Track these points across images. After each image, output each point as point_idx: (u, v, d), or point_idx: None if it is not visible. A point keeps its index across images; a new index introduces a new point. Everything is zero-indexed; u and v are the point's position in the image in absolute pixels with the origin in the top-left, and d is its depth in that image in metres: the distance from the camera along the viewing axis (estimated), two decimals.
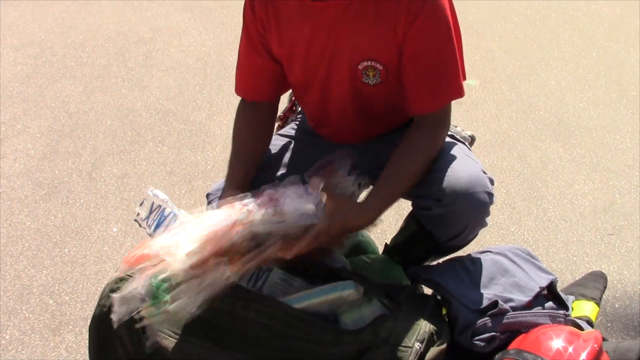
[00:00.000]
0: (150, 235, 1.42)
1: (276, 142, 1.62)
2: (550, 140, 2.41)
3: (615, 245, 1.98)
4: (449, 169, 1.37)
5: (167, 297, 1.21)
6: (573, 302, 1.61)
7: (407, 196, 1.49)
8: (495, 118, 2.50)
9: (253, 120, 1.50)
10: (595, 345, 1.28)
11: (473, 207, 1.36)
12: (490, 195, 1.39)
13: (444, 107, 1.36)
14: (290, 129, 1.67)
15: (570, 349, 1.26)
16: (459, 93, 1.36)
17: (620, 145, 2.40)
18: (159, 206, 1.44)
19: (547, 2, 3.41)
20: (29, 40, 2.92)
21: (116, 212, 2.07)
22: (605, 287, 1.69)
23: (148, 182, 2.18)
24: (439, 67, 1.33)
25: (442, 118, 1.37)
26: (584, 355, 1.25)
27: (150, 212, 1.46)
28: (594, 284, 1.69)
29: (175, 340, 1.33)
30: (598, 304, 1.64)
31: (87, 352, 1.59)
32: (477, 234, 1.48)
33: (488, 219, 1.43)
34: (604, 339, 1.51)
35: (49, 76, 2.70)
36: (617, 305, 1.80)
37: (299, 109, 1.73)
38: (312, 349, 1.29)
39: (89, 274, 1.86)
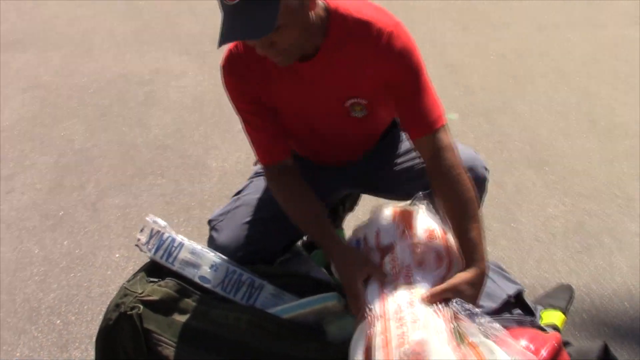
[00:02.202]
0: (151, 258, 1.57)
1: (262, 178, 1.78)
2: (524, 167, 2.58)
3: (584, 262, 2.12)
4: None
5: None
6: (542, 311, 1.76)
7: (401, 190, 1.65)
8: (473, 148, 2.66)
9: (293, 178, 1.56)
10: (555, 343, 1.41)
11: (477, 180, 1.53)
12: (487, 170, 1.63)
13: (441, 126, 1.46)
14: None
15: (532, 346, 1.40)
16: (443, 118, 1.48)
17: (590, 171, 2.57)
18: (158, 232, 1.59)
19: (522, 40, 3.62)
20: (36, 84, 3.10)
21: (119, 240, 2.21)
22: (571, 298, 1.84)
23: (148, 212, 2.33)
24: (423, 92, 1.45)
25: (446, 134, 1.46)
26: (543, 351, 1.38)
27: (150, 237, 1.60)
28: (561, 295, 1.84)
29: (175, 349, 1.47)
30: (564, 313, 1.78)
31: None
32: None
33: (485, 198, 1.66)
34: (568, 343, 1.65)
35: (54, 116, 2.87)
36: (584, 316, 1.93)
37: None
38: (299, 356, 1.43)
39: (94, 296, 1.99)
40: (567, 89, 3.16)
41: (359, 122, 1.58)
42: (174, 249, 1.59)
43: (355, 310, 1.38)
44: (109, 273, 2.07)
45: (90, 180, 2.49)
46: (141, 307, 1.48)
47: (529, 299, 1.70)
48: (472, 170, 1.56)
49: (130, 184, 2.47)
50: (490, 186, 2.45)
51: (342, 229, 2.04)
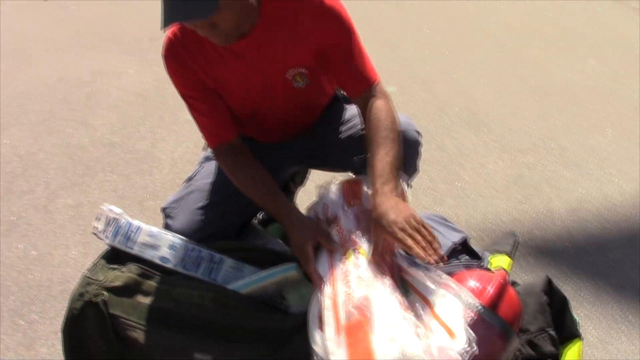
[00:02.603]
0: (109, 244, 1.60)
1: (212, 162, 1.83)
2: (464, 130, 2.69)
3: (526, 211, 2.24)
4: None
5: None
6: (489, 257, 1.85)
7: (345, 160, 1.71)
8: (414, 117, 2.71)
9: (245, 155, 1.62)
10: (500, 279, 1.50)
11: (408, 142, 1.62)
12: (419, 134, 1.68)
13: (378, 80, 1.55)
14: None
15: (480, 285, 1.49)
16: (377, 75, 1.57)
17: (525, 128, 2.69)
18: (115, 218, 1.62)
19: (456, 13, 3.74)
20: None
21: (74, 238, 2.22)
22: (516, 243, 1.93)
23: None
24: (360, 52, 1.54)
25: (382, 89, 1.55)
26: (490, 288, 1.47)
27: (107, 224, 1.63)
28: (506, 241, 1.93)
29: (142, 332, 1.51)
30: (510, 257, 1.88)
31: None
32: (412, 179, 1.74)
33: (419, 164, 1.75)
34: (515, 283, 1.75)
35: None
36: (530, 260, 2.05)
37: None
38: (263, 328, 1.48)
39: (55, 294, 2.00)
40: (499, 55, 3.29)
41: (301, 92, 1.63)
42: (132, 233, 1.62)
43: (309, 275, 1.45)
44: (69, 270, 2.08)
45: (39, 184, 2.48)
46: (105, 293, 1.51)
47: (475, 245, 1.79)
48: (404, 134, 1.62)
49: (81, 183, 2.48)
50: (433, 150, 2.57)
51: (294, 204, 2.10)
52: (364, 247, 1.43)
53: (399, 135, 1.51)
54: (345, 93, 1.75)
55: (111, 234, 1.61)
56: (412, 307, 1.36)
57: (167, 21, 1.34)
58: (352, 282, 1.36)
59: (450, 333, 1.31)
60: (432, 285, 1.43)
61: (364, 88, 1.56)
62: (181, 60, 1.54)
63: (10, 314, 1.94)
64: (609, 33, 3.50)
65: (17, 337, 1.86)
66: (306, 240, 1.46)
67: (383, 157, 1.46)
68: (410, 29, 3.55)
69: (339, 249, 1.48)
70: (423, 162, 2.46)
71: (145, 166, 2.56)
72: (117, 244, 1.60)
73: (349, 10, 1.51)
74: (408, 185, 1.77)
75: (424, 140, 2.52)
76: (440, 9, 3.80)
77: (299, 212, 1.56)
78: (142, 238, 1.59)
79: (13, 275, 2.08)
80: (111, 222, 1.63)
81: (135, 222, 1.60)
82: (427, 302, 1.38)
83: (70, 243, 2.20)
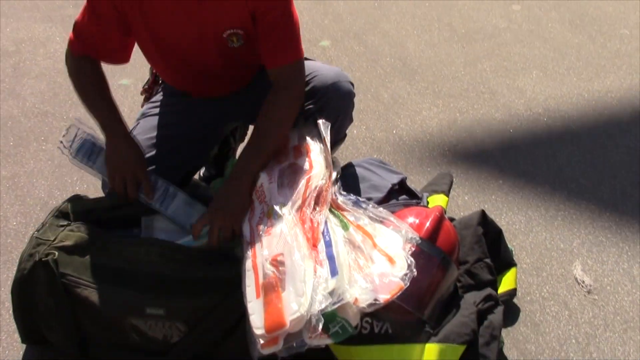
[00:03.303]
0: (71, 160, 1.62)
1: (152, 110, 1.82)
2: (397, 80, 2.75)
3: (460, 152, 2.33)
4: (315, 75, 1.67)
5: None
6: (427, 197, 1.93)
7: None
8: (348, 69, 2.80)
9: (97, 70, 1.65)
10: (437, 214, 1.58)
11: (342, 94, 1.68)
12: (353, 85, 1.73)
13: (297, 61, 1.60)
14: (159, 97, 1.87)
15: (418, 220, 1.56)
16: (302, 52, 1.61)
17: (456, 74, 2.77)
18: (83, 134, 1.63)
19: None
20: None
21: (13, 208, 2.18)
22: (451, 182, 2.01)
23: (39, 177, 2.30)
24: (285, 27, 1.58)
25: (296, 74, 1.61)
26: (427, 222, 1.55)
27: (74, 139, 1.64)
28: (442, 181, 2.02)
29: (94, 289, 1.52)
30: (447, 195, 1.96)
31: (9, 330, 1.73)
32: (347, 128, 1.80)
33: (354, 114, 1.81)
34: (454, 219, 1.83)
35: None
36: (466, 198, 2.14)
37: (160, 80, 1.93)
38: (211, 277, 1.52)
39: None
40: (427, 5, 3.34)
41: (236, 51, 1.65)
42: (94, 151, 1.64)
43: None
44: (9, 241, 2.05)
45: None
46: (56, 252, 1.51)
47: (412, 186, 1.86)
48: (336, 84, 1.68)
49: (15, 154, 2.42)
50: (369, 101, 2.62)
51: (235, 159, 2.11)
52: (284, 203, 1.48)
53: (282, 132, 1.61)
54: None
55: (75, 150, 1.62)
56: (352, 241, 1.42)
57: None
58: (268, 240, 1.41)
59: (391, 260, 1.38)
60: (372, 221, 1.50)
61: (275, 64, 1.59)
62: None
63: None
64: None
65: None
66: (115, 173, 1.58)
67: (245, 159, 1.58)
68: None
69: (258, 210, 1.53)
70: (360, 112, 2.53)
71: None
72: (78, 161, 1.63)
73: None
74: (344, 136, 1.82)
75: (359, 92, 2.58)
76: None
77: (127, 135, 1.63)
78: (103, 157, 1.62)
79: None
80: (78, 137, 1.64)
81: (99, 142, 1.63)
82: (368, 235, 1.45)
83: (9, 214, 2.16)
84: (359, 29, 3.12)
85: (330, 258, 1.37)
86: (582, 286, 1.82)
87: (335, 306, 1.29)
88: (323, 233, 1.42)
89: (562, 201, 2.12)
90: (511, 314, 1.74)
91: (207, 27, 1.58)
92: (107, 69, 1.68)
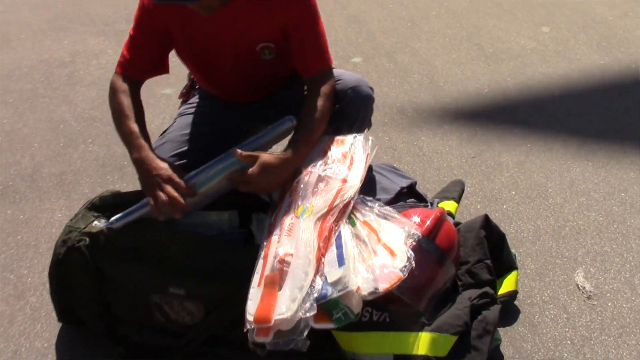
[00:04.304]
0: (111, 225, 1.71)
1: (188, 110, 2.01)
2: (423, 95, 2.87)
3: (477, 164, 2.43)
4: (339, 80, 1.83)
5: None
6: (438, 202, 2.04)
7: None
8: (377, 84, 2.94)
9: (136, 95, 1.79)
10: (438, 213, 1.69)
11: (361, 97, 1.82)
12: (372, 90, 1.86)
13: (329, 68, 1.78)
14: (195, 99, 2.06)
15: (420, 219, 1.68)
16: (330, 61, 1.80)
17: (480, 91, 2.88)
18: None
19: None
20: None
21: (59, 202, 2.39)
22: (462, 189, 2.12)
23: (84, 175, 2.51)
24: (314, 40, 1.76)
25: (330, 77, 1.78)
26: (428, 221, 1.66)
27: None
28: (454, 188, 2.12)
29: (122, 269, 1.69)
30: (457, 202, 2.07)
31: (48, 309, 1.92)
32: (364, 131, 1.90)
33: (372, 120, 1.94)
34: (460, 223, 1.94)
35: None
36: (478, 207, 2.24)
37: (197, 84, 2.11)
38: (224, 265, 1.66)
39: (42, 252, 2.17)
40: (458, 25, 3.46)
41: (267, 64, 1.82)
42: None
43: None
44: (54, 231, 2.25)
45: (25, 156, 2.64)
46: (87, 239, 1.69)
47: (422, 191, 1.98)
48: (356, 88, 1.82)
49: (64, 154, 2.64)
50: (394, 114, 2.75)
51: None
52: (313, 205, 1.59)
53: (322, 126, 1.74)
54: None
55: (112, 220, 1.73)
56: (358, 235, 1.55)
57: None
58: (286, 238, 1.53)
59: (392, 253, 1.50)
60: (378, 217, 1.62)
61: (310, 72, 1.76)
62: (161, 5, 1.68)
63: (1, 270, 2.11)
64: (563, 2, 3.68)
65: (8, 290, 2.03)
66: (149, 182, 1.63)
67: (294, 145, 1.69)
68: (375, 5, 3.73)
69: (279, 207, 1.65)
70: (384, 124, 2.67)
71: None
72: (116, 221, 1.70)
73: None
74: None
75: (385, 105, 2.72)
76: None
77: (152, 150, 1.70)
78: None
79: (3, 237, 2.25)
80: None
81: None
82: (373, 230, 1.57)
83: (55, 207, 2.37)
84: (390, 47, 3.26)
85: (339, 247, 1.50)
86: (583, 292, 1.90)
87: (341, 293, 1.41)
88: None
89: (572, 213, 2.19)
90: (511, 315, 1.83)
91: (241, 41, 1.76)
92: (151, 79, 1.86)
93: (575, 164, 2.41)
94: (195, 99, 2.05)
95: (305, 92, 1.80)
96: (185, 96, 2.13)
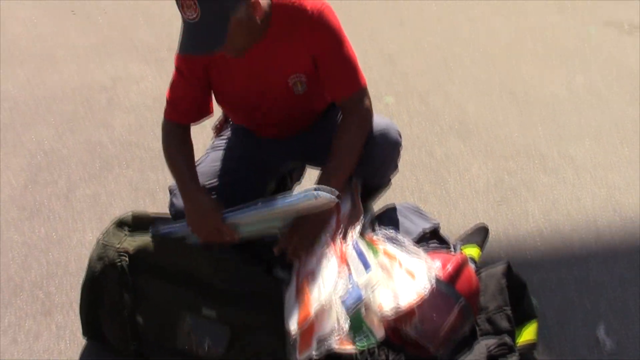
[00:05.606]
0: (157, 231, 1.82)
1: (220, 144, 2.06)
2: (453, 138, 2.90)
3: (502, 211, 2.44)
4: None
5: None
6: (461, 246, 2.05)
7: None
8: (407, 125, 2.98)
9: (184, 137, 1.89)
10: (459, 259, 1.71)
11: (389, 141, 1.85)
12: (400, 135, 1.89)
13: (360, 89, 1.79)
14: (228, 133, 2.11)
15: (440, 263, 1.70)
16: (364, 80, 1.81)
17: (509, 137, 2.90)
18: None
19: (454, 30, 3.96)
20: (4, 97, 3.32)
21: (91, 223, 2.46)
22: (486, 235, 2.13)
23: (117, 198, 2.58)
24: (344, 62, 1.78)
25: (362, 100, 1.80)
26: (449, 265, 1.68)
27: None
28: (477, 233, 2.14)
29: (157, 288, 1.76)
30: (480, 247, 2.08)
31: (73, 328, 1.97)
32: (392, 175, 1.95)
33: (399, 165, 1.96)
34: (481, 270, 1.95)
35: (24, 123, 3.10)
36: (502, 254, 2.24)
37: (230, 119, 2.17)
38: (254, 291, 1.71)
39: (72, 271, 2.23)
40: (492, 70, 3.50)
41: (300, 98, 1.85)
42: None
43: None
44: (84, 251, 2.31)
45: (61, 176, 2.73)
46: (126, 256, 1.75)
47: (444, 234, 2.00)
48: (385, 133, 1.85)
49: (99, 176, 2.72)
50: (423, 156, 2.78)
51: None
52: (353, 232, 1.69)
53: (356, 152, 1.77)
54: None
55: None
56: (381, 264, 1.61)
57: (181, 50, 1.58)
58: (308, 258, 1.66)
59: (412, 276, 1.54)
60: (402, 252, 1.68)
61: (342, 96, 1.79)
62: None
63: (30, 287, 2.17)
64: (599, 52, 3.69)
65: (36, 307, 2.09)
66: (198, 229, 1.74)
67: (325, 177, 1.73)
68: (411, 46, 3.78)
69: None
70: (412, 166, 2.70)
71: (158, 163, 2.79)
72: (161, 230, 1.83)
73: (355, 29, 1.74)
74: (388, 182, 2.00)
75: (414, 147, 2.75)
76: (440, 27, 4.03)
77: (201, 191, 1.79)
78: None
79: (35, 254, 2.32)
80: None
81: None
82: (394, 259, 1.62)
83: (87, 227, 2.44)
84: (423, 89, 3.31)
85: (360, 254, 1.56)
86: (604, 348, 1.88)
87: (364, 298, 1.51)
88: (353, 245, 1.64)
89: (596, 265, 2.18)
90: None
91: (273, 77, 1.80)
92: None
93: (602, 216, 2.41)
94: (228, 133, 2.10)
95: (340, 119, 1.83)
96: (218, 130, 2.18)
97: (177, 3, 1.52)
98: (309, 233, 1.71)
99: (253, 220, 1.72)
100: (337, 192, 1.64)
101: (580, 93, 3.28)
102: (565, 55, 3.66)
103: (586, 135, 2.92)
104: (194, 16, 1.51)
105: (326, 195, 1.61)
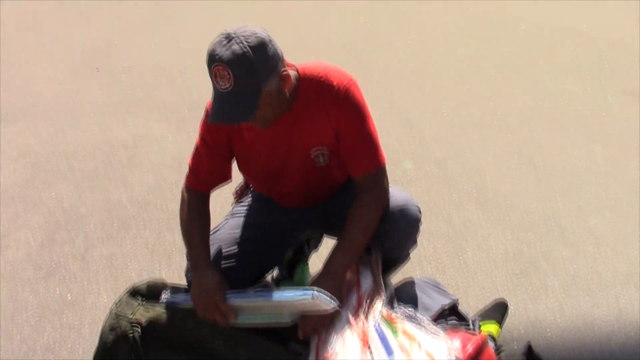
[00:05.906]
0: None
1: (240, 210, 2.06)
2: (471, 206, 2.88)
3: (521, 284, 2.40)
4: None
5: None
6: (480, 322, 2.01)
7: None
8: (425, 192, 2.97)
9: (202, 207, 1.90)
10: (480, 340, 1.68)
11: (408, 218, 1.83)
12: (420, 211, 1.87)
13: (379, 169, 1.80)
14: (248, 200, 2.12)
15: (461, 343, 1.66)
16: (384, 159, 1.81)
17: (529, 207, 2.88)
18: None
19: (471, 96, 4.00)
20: (27, 152, 3.38)
21: (106, 285, 2.45)
22: (505, 310, 2.10)
23: (133, 259, 2.58)
24: (366, 140, 1.78)
25: (381, 179, 1.80)
26: (469, 346, 1.64)
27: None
28: (497, 308, 2.10)
29: (171, 357, 1.74)
30: (499, 324, 2.04)
31: None
32: (410, 250, 1.93)
33: (418, 238, 1.93)
34: (502, 349, 1.91)
35: (44, 180, 3.14)
36: (521, 330, 2.19)
37: (250, 185, 2.18)
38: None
39: (85, 335, 2.22)
40: (510, 137, 3.50)
41: (321, 169, 1.86)
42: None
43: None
44: (98, 314, 2.30)
45: (79, 235, 2.74)
46: (138, 328, 1.74)
47: (463, 310, 1.96)
48: (405, 209, 1.84)
49: (116, 237, 2.73)
50: (440, 224, 2.76)
51: (306, 264, 2.29)
52: (372, 311, 1.67)
53: (369, 230, 1.76)
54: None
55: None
56: (401, 345, 1.57)
57: (212, 119, 1.60)
58: (329, 336, 1.62)
59: (432, 358, 1.51)
60: (421, 331, 1.65)
61: (361, 172, 1.79)
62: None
63: (43, 350, 2.16)
64: (618, 122, 3.70)
65: None
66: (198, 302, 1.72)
67: (338, 254, 1.74)
68: (429, 111, 3.81)
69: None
70: (429, 234, 2.68)
71: (175, 223, 2.78)
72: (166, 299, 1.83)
73: (374, 93, 1.76)
74: (407, 256, 1.99)
75: (431, 214, 2.74)
76: (459, 92, 4.07)
77: (209, 267, 1.78)
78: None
79: (48, 315, 2.31)
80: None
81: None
82: (414, 340, 1.59)
83: (102, 289, 2.43)
84: (441, 155, 3.31)
85: (383, 339, 1.54)
86: None
87: None
88: (375, 326, 1.61)
89: (618, 345, 2.13)
90: None
91: (297, 148, 1.81)
92: None
93: (623, 292, 2.36)
94: (248, 200, 2.10)
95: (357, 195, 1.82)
96: (239, 195, 2.19)
97: (210, 72, 1.55)
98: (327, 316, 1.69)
99: (254, 308, 1.70)
100: (336, 301, 1.62)
101: (599, 162, 3.27)
102: (584, 124, 3.67)
103: (606, 207, 2.90)
104: (227, 86, 1.54)
105: (325, 299, 1.59)
